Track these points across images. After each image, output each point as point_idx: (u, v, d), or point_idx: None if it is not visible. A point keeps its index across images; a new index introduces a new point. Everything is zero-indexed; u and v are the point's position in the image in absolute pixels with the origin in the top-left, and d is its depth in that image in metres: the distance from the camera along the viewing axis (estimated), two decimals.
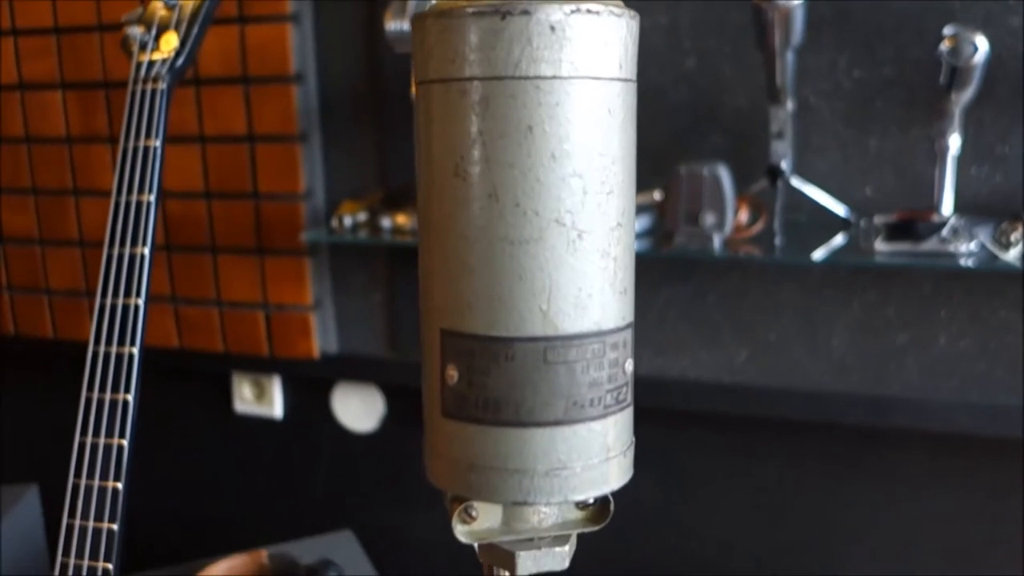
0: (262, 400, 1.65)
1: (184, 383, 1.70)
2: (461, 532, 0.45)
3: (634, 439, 0.46)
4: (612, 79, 0.40)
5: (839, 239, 1.18)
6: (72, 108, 1.59)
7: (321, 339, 1.55)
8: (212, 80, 1.48)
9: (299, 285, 1.51)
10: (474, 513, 0.45)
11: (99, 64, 1.55)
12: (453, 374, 0.42)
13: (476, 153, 0.40)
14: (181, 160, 1.52)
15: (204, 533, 1.75)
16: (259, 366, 1.60)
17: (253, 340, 1.56)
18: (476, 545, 0.46)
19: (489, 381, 0.41)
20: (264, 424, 1.66)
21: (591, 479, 0.42)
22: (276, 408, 1.65)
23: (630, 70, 0.42)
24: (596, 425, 0.42)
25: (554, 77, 0.39)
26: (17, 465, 1.79)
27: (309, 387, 1.62)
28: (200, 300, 1.58)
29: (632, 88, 0.42)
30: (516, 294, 0.40)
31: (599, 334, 0.41)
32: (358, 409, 1.60)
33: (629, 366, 0.44)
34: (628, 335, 0.43)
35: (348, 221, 1.37)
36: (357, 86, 1.47)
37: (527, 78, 0.38)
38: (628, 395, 0.44)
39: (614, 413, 0.43)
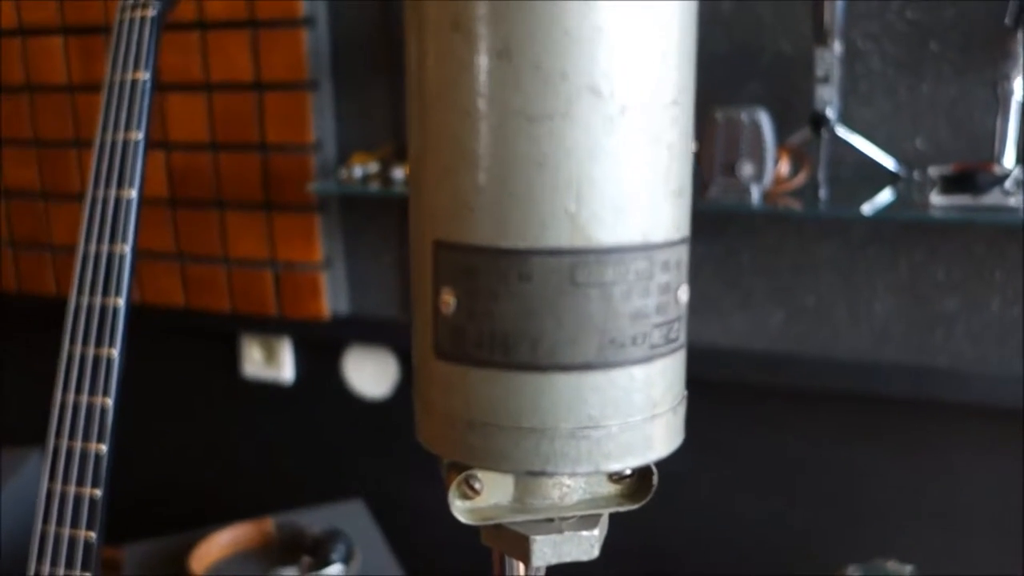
0: (271, 363, 1.59)
1: (190, 344, 1.65)
2: (460, 510, 0.35)
3: (686, 393, 0.36)
4: None
5: (887, 193, 1.10)
6: (73, 54, 1.52)
7: (332, 299, 1.48)
8: (217, 24, 1.41)
9: (309, 242, 1.45)
10: (477, 486, 0.35)
11: (101, 7, 1.48)
12: (449, 300, 0.32)
13: None
14: (185, 109, 1.46)
15: (210, 500, 1.70)
16: (268, 327, 1.54)
17: (261, 300, 1.50)
18: (481, 527, 0.36)
19: (497, 310, 0.31)
20: (273, 387, 1.61)
21: (630, 443, 0.33)
22: (286, 371, 1.58)
23: None
24: (638, 371, 0.32)
25: None
26: (20, 427, 1.74)
27: (320, 350, 1.56)
28: (206, 257, 1.52)
29: None
30: (534, 190, 0.30)
31: (646, 248, 0.31)
32: (371, 373, 1.54)
33: (684, 294, 0.33)
34: (683, 253, 0.33)
35: (358, 172, 1.30)
36: (370, 31, 1.39)
37: None
38: (681, 333, 0.34)
39: (663, 356, 0.33)
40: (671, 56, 0.31)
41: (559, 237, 0.30)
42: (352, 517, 1.33)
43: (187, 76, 1.45)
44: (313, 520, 1.28)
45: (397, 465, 1.56)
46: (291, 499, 1.40)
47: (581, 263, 0.30)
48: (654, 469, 0.35)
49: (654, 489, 0.36)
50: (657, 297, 0.32)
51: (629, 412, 0.32)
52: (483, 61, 0.30)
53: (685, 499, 1.38)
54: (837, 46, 1.09)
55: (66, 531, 0.81)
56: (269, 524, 1.26)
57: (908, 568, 1.17)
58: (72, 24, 1.51)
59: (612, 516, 0.37)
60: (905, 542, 1.28)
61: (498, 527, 0.36)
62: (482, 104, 0.30)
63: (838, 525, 1.32)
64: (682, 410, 0.35)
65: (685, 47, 0.32)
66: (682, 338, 0.34)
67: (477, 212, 0.31)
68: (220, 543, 1.24)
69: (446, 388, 0.33)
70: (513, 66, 0.29)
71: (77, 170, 1.56)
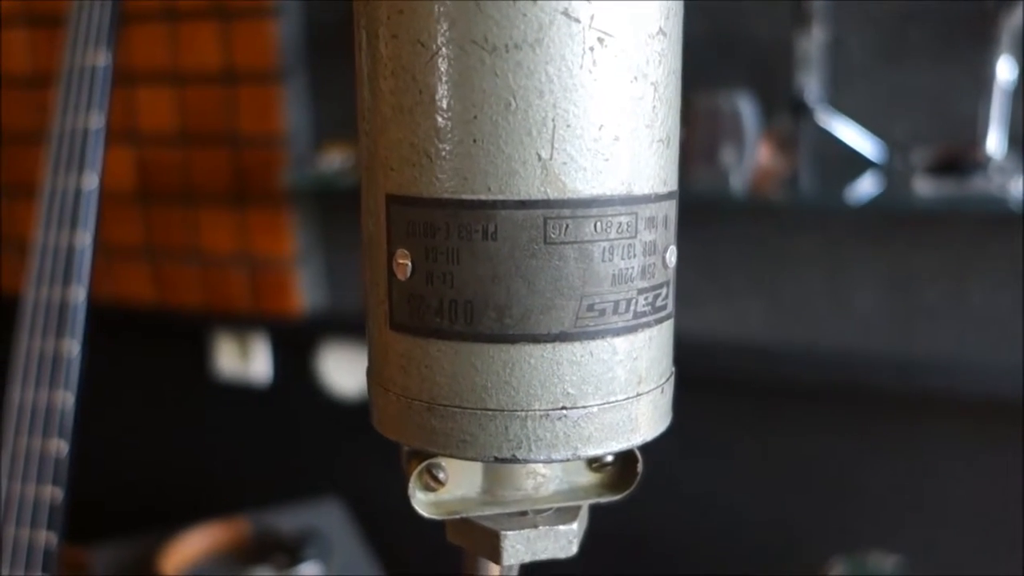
0: (245, 360, 1.56)
1: (162, 341, 1.61)
2: (422, 503, 0.32)
3: (675, 370, 0.32)
4: None
5: (869, 181, 1.09)
6: (40, 47, 1.48)
7: (309, 294, 1.45)
8: (186, 14, 1.38)
9: (283, 235, 1.42)
10: (441, 475, 0.31)
11: None
12: (405, 264, 0.28)
13: None
14: (155, 102, 1.43)
15: (183, 500, 1.66)
16: (242, 324, 1.51)
17: (235, 296, 1.47)
18: (446, 523, 0.33)
19: (459, 272, 0.28)
20: (248, 385, 1.58)
21: (613, 425, 0.29)
22: (261, 368, 1.55)
23: None
24: (621, 343, 0.29)
25: None
26: None
27: (297, 347, 1.54)
28: (177, 253, 1.48)
29: None
30: (501, 133, 0.26)
31: (629, 201, 0.28)
32: (349, 370, 1.51)
33: (672, 257, 0.30)
34: (671, 209, 0.30)
35: (334, 162, 1.27)
36: (346, 19, 1.36)
37: None
38: (669, 301, 0.30)
39: (649, 326, 0.29)
40: None
41: (529, 187, 0.27)
42: (328, 516, 1.30)
43: (157, 68, 1.42)
44: (288, 519, 1.25)
45: (375, 463, 1.53)
46: (267, 499, 1.37)
47: (555, 217, 0.27)
48: (639, 455, 0.32)
49: (639, 478, 0.32)
50: (642, 258, 0.28)
51: (611, 390, 0.29)
52: None
53: (666, 493, 1.36)
54: (818, 30, 1.07)
55: (26, 532, 0.78)
56: (243, 523, 1.23)
57: (892, 559, 1.16)
58: (37, 14, 1.47)
59: (593, 508, 0.34)
60: (891, 532, 1.27)
61: (465, 522, 0.32)
62: (438, 34, 0.26)
63: (823, 517, 1.31)
64: (670, 389, 0.32)
65: None
66: (670, 307, 0.31)
67: (435, 160, 0.27)
68: (192, 543, 1.21)
69: (403, 364, 0.30)
70: None
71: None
